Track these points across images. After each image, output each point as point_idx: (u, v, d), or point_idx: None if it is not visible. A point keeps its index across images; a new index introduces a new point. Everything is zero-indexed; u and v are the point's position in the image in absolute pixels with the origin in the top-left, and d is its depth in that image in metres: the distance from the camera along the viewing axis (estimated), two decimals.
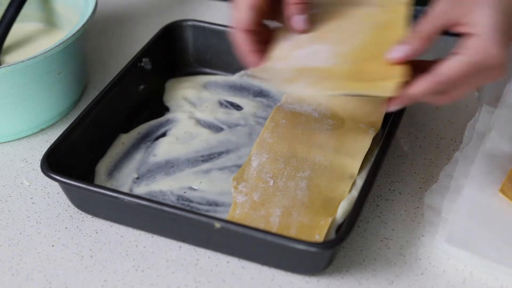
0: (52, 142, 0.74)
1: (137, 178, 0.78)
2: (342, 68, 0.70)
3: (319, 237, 0.69)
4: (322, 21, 0.76)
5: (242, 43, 0.72)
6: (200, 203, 0.74)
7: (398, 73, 0.67)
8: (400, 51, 0.66)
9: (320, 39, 0.74)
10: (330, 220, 0.70)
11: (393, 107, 0.67)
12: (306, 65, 0.71)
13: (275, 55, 0.73)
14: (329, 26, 0.75)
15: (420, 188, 0.76)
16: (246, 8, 0.71)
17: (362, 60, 0.70)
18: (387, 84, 0.66)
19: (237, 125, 0.84)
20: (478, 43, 0.62)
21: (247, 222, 0.70)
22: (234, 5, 0.73)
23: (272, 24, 0.75)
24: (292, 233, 0.69)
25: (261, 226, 0.70)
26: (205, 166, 0.79)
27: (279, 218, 0.71)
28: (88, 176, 0.77)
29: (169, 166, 0.79)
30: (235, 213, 0.72)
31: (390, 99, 0.67)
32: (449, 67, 0.63)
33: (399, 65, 0.67)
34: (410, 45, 0.66)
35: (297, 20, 0.73)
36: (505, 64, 0.63)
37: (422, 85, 0.64)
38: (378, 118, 0.81)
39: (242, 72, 0.71)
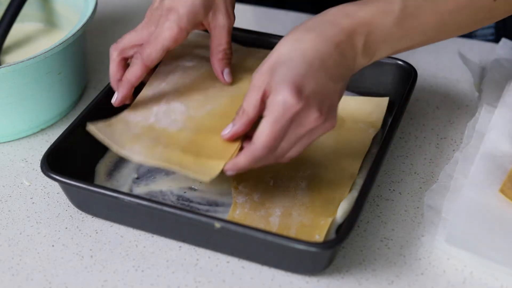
0: (52, 142, 0.74)
1: (137, 178, 0.78)
2: (183, 135, 0.72)
3: (319, 237, 0.69)
4: (195, 78, 0.79)
5: (136, 77, 0.74)
6: (200, 203, 0.74)
7: (227, 154, 0.69)
8: (227, 130, 0.69)
9: (183, 97, 0.76)
10: (330, 220, 0.70)
11: (229, 173, 0.68)
12: (155, 124, 0.73)
13: (137, 104, 0.76)
14: (199, 85, 0.78)
15: (420, 188, 0.76)
16: (161, 49, 0.73)
17: (206, 131, 0.72)
18: (213, 165, 0.68)
19: None
20: (275, 98, 0.64)
21: (247, 222, 0.70)
22: (149, 38, 0.74)
23: None
24: (292, 233, 0.69)
25: (261, 226, 0.70)
26: None
27: (279, 218, 0.71)
28: (88, 176, 0.77)
29: None
30: (235, 213, 0.72)
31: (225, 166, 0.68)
32: (259, 135, 0.65)
33: (232, 143, 0.69)
34: (236, 125, 0.68)
35: (225, 74, 0.77)
36: (315, 108, 0.65)
37: (243, 160, 0.66)
38: (378, 118, 0.81)
39: (88, 126, 0.72)
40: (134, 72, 0.74)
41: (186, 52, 0.83)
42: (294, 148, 0.67)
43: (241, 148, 0.69)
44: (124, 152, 0.69)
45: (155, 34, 0.73)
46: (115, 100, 0.74)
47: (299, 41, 0.66)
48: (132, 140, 0.71)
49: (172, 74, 0.79)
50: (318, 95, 0.65)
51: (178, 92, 0.77)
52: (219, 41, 0.76)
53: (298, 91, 0.64)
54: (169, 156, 0.69)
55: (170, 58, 0.81)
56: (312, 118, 0.65)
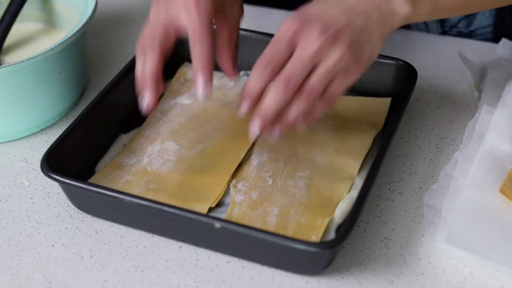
0: (52, 142, 0.74)
1: None
2: (173, 177, 0.74)
3: (315, 237, 0.69)
4: (191, 116, 0.81)
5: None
6: None
7: (213, 196, 0.72)
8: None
9: (177, 136, 0.78)
10: (327, 220, 0.70)
11: (255, 129, 0.65)
12: (148, 165, 0.75)
13: (133, 144, 0.78)
14: (194, 123, 0.80)
15: (420, 188, 0.76)
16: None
17: (196, 172, 0.75)
18: (198, 208, 0.71)
19: None
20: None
21: (244, 221, 0.70)
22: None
23: None
24: (289, 233, 0.69)
25: (258, 225, 0.70)
26: None
27: (276, 218, 0.71)
28: (88, 176, 0.77)
29: None
30: (233, 212, 0.72)
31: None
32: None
33: (219, 185, 0.73)
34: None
35: (237, 75, 0.74)
36: (315, 27, 0.62)
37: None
38: (380, 119, 0.81)
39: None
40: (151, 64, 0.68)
41: (184, 90, 0.84)
42: (315, 83, 0.62)
43: None
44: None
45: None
46: (145, 105, 0.69)
47: None
48: (124, 188, 0.73)
49: (169, 112, 0.82)
50: (323, 16, 0.62)
51: (173, 131, 0.79)
52: (232, 34, 0.72)
53: (300, 13, 0.61)
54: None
55: (169, 96, 0.84)
56: (311, 37, 0.61)
